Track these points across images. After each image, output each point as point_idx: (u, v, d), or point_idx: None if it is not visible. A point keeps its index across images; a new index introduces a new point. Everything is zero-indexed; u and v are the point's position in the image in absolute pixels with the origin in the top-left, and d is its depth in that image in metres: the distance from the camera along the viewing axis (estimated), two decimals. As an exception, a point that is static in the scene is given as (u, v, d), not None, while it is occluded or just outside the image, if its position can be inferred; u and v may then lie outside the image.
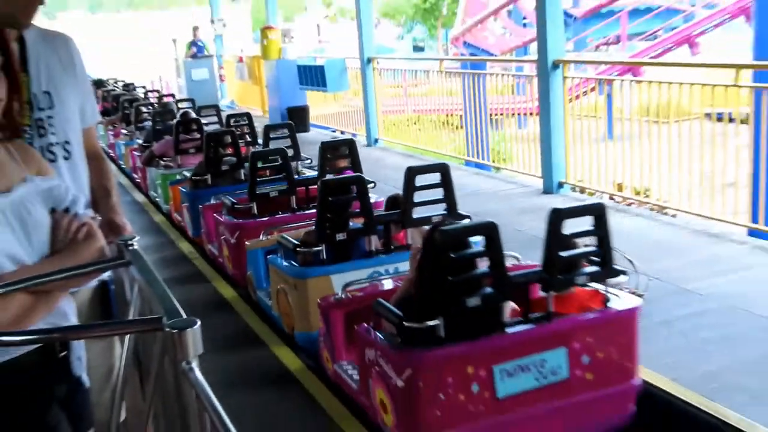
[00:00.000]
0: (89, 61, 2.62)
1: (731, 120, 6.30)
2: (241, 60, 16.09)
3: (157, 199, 8.03)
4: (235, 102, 16.68)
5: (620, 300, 3.28)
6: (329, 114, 13.49)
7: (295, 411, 3.65)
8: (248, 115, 7.46)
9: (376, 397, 3.21)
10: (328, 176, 5.03)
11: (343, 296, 3.70)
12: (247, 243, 4.97)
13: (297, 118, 12.34)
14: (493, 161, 9.61)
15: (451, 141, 11.15)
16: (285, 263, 4.30)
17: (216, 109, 7.59)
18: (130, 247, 1.75)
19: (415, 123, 11.61)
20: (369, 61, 10.52)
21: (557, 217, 3.05)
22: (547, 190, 7.21)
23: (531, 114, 9.52)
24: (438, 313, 2.89)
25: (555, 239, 3.06)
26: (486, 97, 9.42)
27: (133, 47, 34.80)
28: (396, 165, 9.27)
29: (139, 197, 8.99)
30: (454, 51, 23.09)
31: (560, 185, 7.17)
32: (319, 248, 4.14)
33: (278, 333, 4.52)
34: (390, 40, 39.44)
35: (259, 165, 5.45)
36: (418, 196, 4.25)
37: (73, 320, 1.85)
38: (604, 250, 3.15)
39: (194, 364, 1.29)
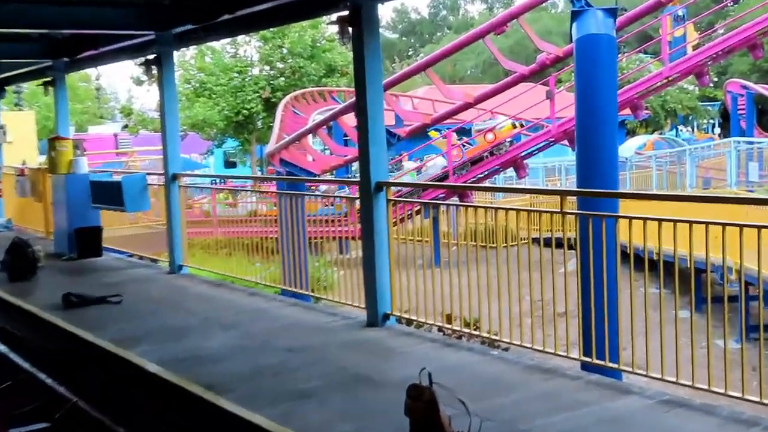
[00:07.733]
0: None
1: (558, 245, 6.67)
2: (23, 173, 15.21)
3: None
4: (12, 221, 15.70)
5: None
6: (126, 236, 13.04)
7: None
8: None
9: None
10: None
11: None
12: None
13: (88, 241, 11.76)
14: (312, 290, 9.56)
15: (265, 268, 11.03)
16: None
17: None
18: None
19: (224, 247, 11.47)
20: (174, 178, 10.32)
21: None
22: (372, 323, 7.17)
23: (354, 238, 9.68)
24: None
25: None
26: (305, 219, 9.47)
27: None
28: (202, 295, 9.04)
29: None
30: (269, 168, 23.35)
31: (386, 317, 7.18)
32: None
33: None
34: (198, 154, 39.47)
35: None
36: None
37: None
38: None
39: None
